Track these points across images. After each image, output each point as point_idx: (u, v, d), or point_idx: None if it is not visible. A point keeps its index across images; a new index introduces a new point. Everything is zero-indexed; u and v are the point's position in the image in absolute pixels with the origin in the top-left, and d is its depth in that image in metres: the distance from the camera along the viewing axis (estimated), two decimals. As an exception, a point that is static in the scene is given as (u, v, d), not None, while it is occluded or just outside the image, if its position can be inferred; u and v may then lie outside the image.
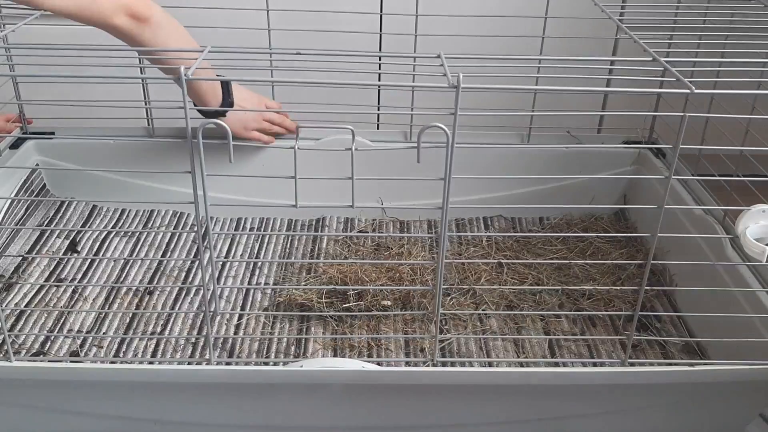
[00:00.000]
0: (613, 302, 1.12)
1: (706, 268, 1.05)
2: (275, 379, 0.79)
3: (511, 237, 1.27)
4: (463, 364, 0.99)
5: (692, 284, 1.10)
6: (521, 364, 0.99)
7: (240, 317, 1.06)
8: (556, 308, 1.10)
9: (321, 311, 1.05)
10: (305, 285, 1.12)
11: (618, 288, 1.12)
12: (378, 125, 1.37)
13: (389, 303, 1.07)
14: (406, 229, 1.30)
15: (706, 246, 1.07)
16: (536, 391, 0.83)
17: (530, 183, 1.31)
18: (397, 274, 1.10)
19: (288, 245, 1.24)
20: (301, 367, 0.78)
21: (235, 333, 1.04)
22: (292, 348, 1.01)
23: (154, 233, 1.24)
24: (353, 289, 1.06)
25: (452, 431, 0.88)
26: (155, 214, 1.28)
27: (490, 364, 0.99)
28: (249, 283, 1.14)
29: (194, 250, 1.21)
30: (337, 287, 1.07)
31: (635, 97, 1.43)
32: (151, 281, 1.13)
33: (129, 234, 1.23)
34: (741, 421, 0.91)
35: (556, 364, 1.00)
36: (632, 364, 0.99)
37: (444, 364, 0.98)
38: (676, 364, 0.87)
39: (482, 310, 1.09)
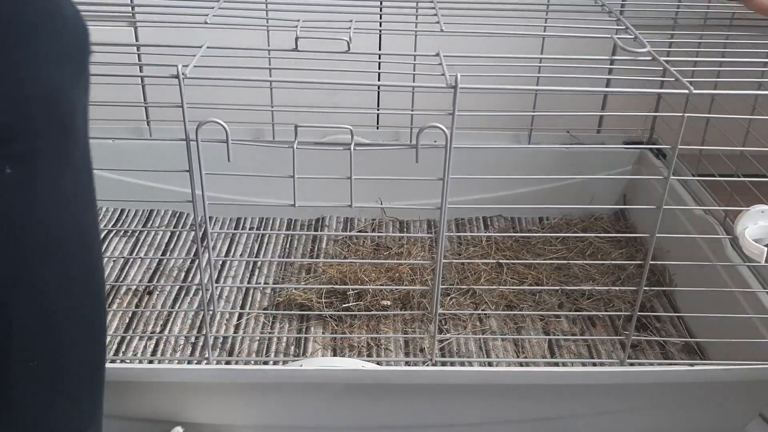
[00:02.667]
0: (612, 302, 1.12)
1: (706, 269, 1.05)
2: (275, 379, 0.79)
3: (511, 237, 1.27)
4: (462, 364, 0.99)
5: (692, 285, 1.10)
6: (521, 364, 0.99)
7: (240, 317, 1.06)
8: (556, 308, 1.10)
9: (321, 311, 1.05)
10: (305, 285, 1.12)
11: (617, 288, 1.12)
12: (378, 126, 1.37)
13: (389, 303, 1.07)
14: (405, 229, 1.30)
15: (706, 247, 1.07)
16: (536, 391, 0.83)
17: (530, 183, 1.31)
18: (397, 274, 1.10)
19: (288, 245, 1.23)
20: (301, 366, 0.78)
21: (235, 333, 1.03)
22: (292, 348, 1.01)
23: (153, 233, 1.23)
24: (353, 289, 1.06)
25: (451, 431, 0.87)
26: (155, 214, 1.28)
27: (490, 364, 0.99)
28: (249, 283, 1.14)
29: (194, 250, 1.21)
30: (336, 287, 1.06)
31: (635, 97, 1.43)
32: (150, 281, 1.12)
33: (129, 234, 1.22)
34: (741, 421, 0.91)
35: (556, 364, 1.00)
36: (631, 364, 1.00)
37: (444, 364, 0.98)
38: (675, 364, 0.87)
39: (482, 310, 1.09)
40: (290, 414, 0.84)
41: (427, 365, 0.98)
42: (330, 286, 1.07)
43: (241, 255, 1.21)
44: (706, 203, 1.13)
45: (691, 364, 0.82)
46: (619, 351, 1.03)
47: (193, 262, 1.18)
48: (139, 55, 1.34)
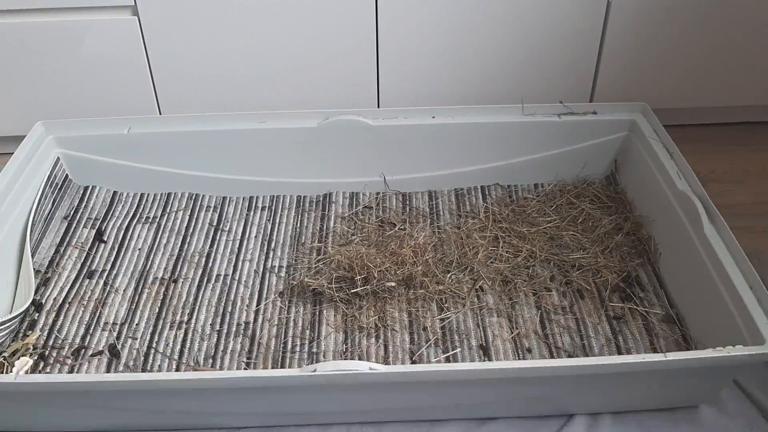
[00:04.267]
0: (600, 272, 1.21)
1: (686, 240, 1.13)
2: (292, 383, 0.90)
3: (507, 207, 1.35)
4: (461, 342, 1.09)
5: (674, 255, 1.18)
6: (514, 342, 1.09)
7: (258, 302, 1.17)
8: (548, 281, 1.19)
9: (332, 297, 1.15)
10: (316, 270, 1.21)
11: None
12: (378, 104, 1.43)
13: (393, 284, 1.16)
14: (408, 201, 1.38)
15: (687, 221, 1.14)
16: (534, 380, 0.93)
17: (526, 152, 1.38)
18: (400, 258, 1.19)
19: (298, 225, 1.32)
20: (314, 371, 0.89)
21: (255, 319, 1.14)
22: (307, 332, 1.12)
23: (173, 217, 1.32)
24: (359, 275, 1.15)
25: (459, 411, 0.99)
26: (172, 197, 1.37)
27: (486, 343, 1.09)
28: (264, 267, 1.23)
29: (211, 233, 1.30)
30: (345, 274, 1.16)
31: (630, 61, 1.48)
32: (174, 268, 1.22)
33: (150, 220, 1.31)
34: (716, 388, 1.01)
35: (546, 336, 1.10)
36: (616, 338, 1.10)
37: (444, 344, 1.09)
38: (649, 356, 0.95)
39: (479, 286, 1.18)
40: (303, 408, 0.96)
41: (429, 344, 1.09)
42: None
43: (255, 237, 1.29)
44: (687, 175, 1.19)
45: (665, 354, 0.90)
46: (605, 323, 1.13)
47: (212, 246, 1.27)
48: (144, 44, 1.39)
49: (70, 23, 1.37)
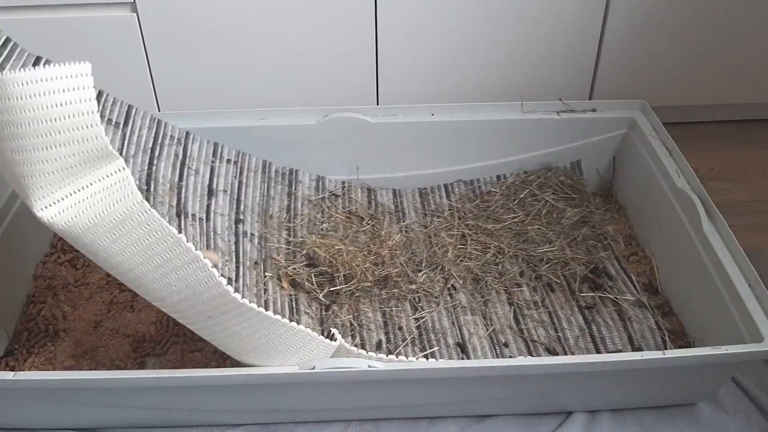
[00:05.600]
0: (569, 264, 1.20)
1: (685, 238, 1.13)
2: (290, 380, 0.89)
3: (471, 202, 1.33)
4: (438, 341, 1.08)
5: (673, 251, 1.18)
6: (492, 339, 1.09)
7: (237, 270, 1.10)
8: (518, 276, 1.19)
9: (310, 290, 1.12)
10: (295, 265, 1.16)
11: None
12: (378, 101, 1.42)
13: (370, 284, 1.14)
14: (373, 196, 1.35)
15: (685, 217, 1.14)
16: (533, 377, 0.94)
17: (525, 150, 1.37)
18: (380, 259, 1.17)
19: (265, 192, 1.28)
20: (314, 368, 0.88)
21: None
22: (287, 313, 1.08)
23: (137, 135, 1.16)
24: (343, 274, 1.13)
25: (457, 407, 1.00)
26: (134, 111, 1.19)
27: (463, 341, 1.09)
28: (235, 233, 1.16)
29: (178, 166, 1.18)
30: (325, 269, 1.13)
31: (629, 58, 1.48)
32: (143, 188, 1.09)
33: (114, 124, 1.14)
34: (714, 385, 1.02)
35: (521, 331, 1.09)
36: (590, 328, 1.09)
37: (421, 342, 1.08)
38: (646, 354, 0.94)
39: (451, 285, 1.17)
40: (301, 406, 0.96)
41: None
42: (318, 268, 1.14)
43: (223, 190, 1.21)
44: (686, 172, 1.18)
45: (664, 352, 0.90)
46: (577, 314, 1.13)
47: (181, 180, 1.16)
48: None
49: (69, 20, 1.34)
